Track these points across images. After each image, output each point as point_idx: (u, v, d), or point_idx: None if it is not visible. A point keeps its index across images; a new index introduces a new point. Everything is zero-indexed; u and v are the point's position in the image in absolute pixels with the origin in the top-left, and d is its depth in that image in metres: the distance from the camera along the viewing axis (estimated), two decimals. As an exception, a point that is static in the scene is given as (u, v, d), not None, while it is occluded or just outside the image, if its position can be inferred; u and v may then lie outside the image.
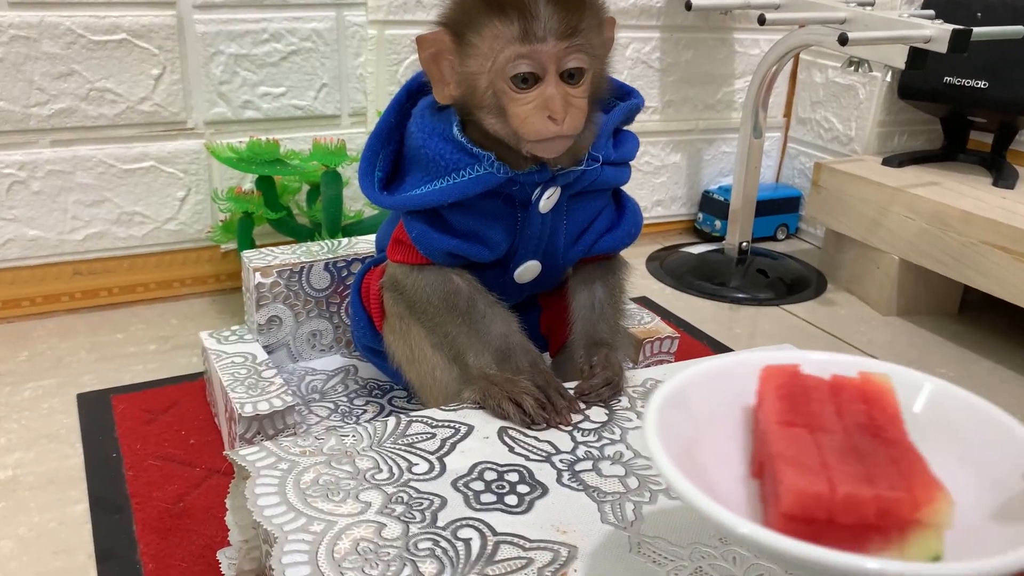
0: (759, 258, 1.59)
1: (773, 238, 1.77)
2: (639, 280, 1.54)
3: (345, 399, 0.97)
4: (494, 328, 0.80)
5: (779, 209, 1.75)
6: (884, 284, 1.43)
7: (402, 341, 0.85)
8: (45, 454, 0.95)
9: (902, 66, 1.17)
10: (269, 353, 1.01)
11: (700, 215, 1.76)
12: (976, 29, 1.13)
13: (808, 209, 1.58)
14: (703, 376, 0.55)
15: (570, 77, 0.73)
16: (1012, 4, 1.37)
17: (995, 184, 1.42)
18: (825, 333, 1.36)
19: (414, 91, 0.84)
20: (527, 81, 0.72)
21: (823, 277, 1.58)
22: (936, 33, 1.12)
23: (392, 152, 0.84)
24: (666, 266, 1.60)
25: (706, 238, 1.74)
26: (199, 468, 0.91)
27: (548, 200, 0.80)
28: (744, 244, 1.54)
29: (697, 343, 1.28)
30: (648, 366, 1.05)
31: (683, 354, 1.09)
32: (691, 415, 0.52)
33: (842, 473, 0.45)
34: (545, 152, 0.74)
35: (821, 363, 0.55)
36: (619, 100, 0.87)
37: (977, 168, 1.52)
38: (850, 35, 1.10)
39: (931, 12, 1.34)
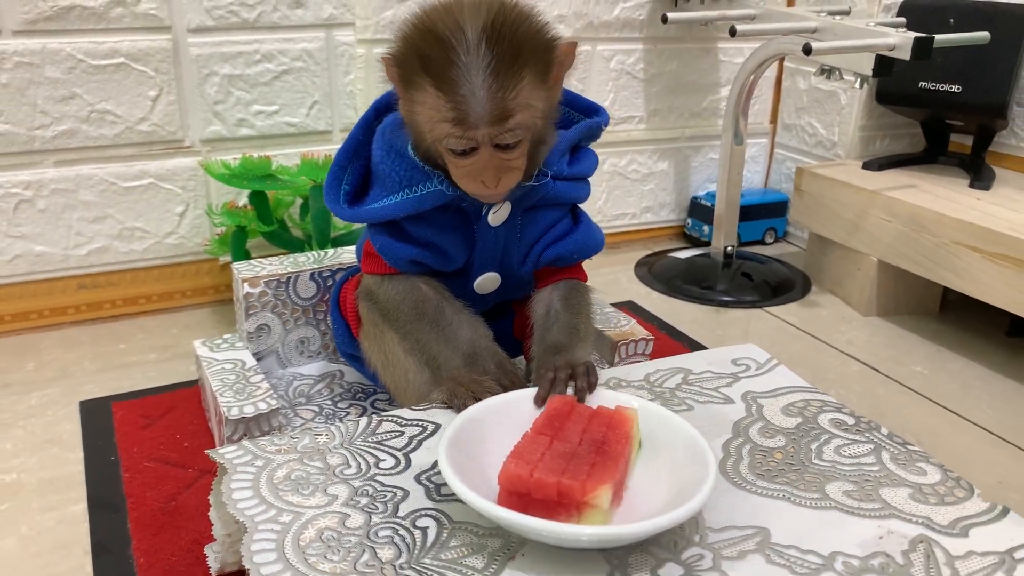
0: (744, 262, 1.63)
1: (762, 242, 1.80)
2: (627, 285, 1.58)
3: (330, 402, 1.02)
4: (461, 333, 0.85)
5: (767, 213, 1.79)
6: (864, 285, 1.46)
7: (377, 347, 0.90)
8: (48, 458, 1.00)
9: (870, 73, 1.21)
10: (259, 360, 1.06)
11: (689, 220, 1.80)
12: (939, 36, 1.17)
13: (792, 213, 1.62)
14: (503, 402, 0.76)
15: (506, 146, 0.74)
16: (983, 10, 1.41)
17: (971, 185, 1.45)
18: (806, 334, 1.40)
19: (383, 108, 0.87)
20: (464, 152, 0.74)
21: (808, 279, 1.61)
22: (900, 41, 1.16)
23: (360, 167, 0.88)
24: (654, 271, 1.64)
25: (695, 243, 1.78)
26: (191, 469, 0.96)
27: (496, 215, 0.84)
28: (729, 248, 1.58)
29: (677, 344, 1.32)
30: (623, 367, 1.10)
31: (659, 356, 1.13)
32: (485, 431, 0.71)
33: (546, 466, 0.64)
34: (483, 200, 0.80)
35: (607, 398, 0.77)
36: (584, 115, 0.91)
37: (956, 170, 1.55)
38: (814, 45, 1.14)
39: (903, 20, 1.37)
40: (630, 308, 1.46)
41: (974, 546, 0.64)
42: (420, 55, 0.72)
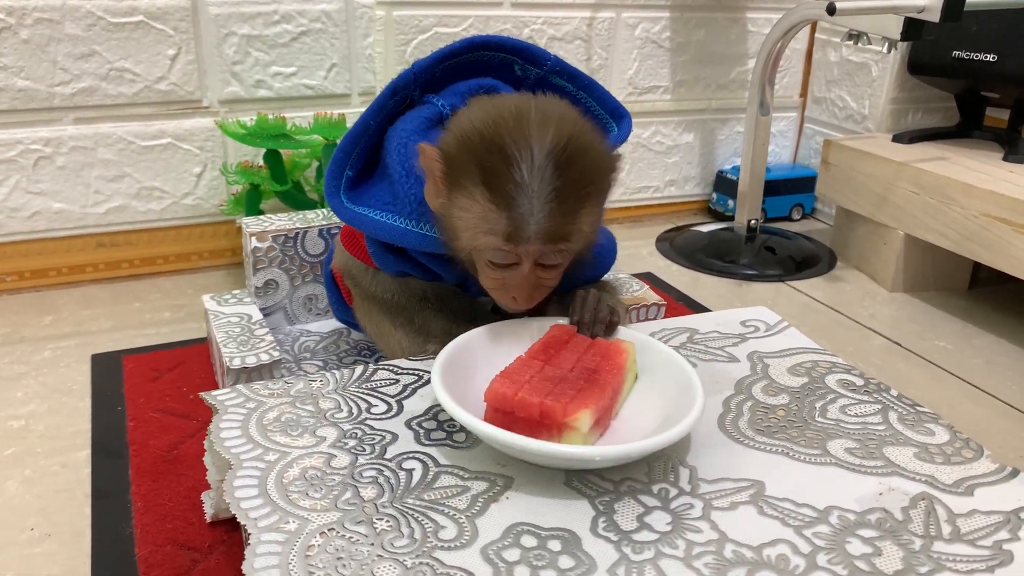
0: (770, 236, 1.60)
1: (789, 218, 1.77)
2: (646, 257, 1.55)
3: (335, 358, 1.02)
4: (435, 325, 0.83)
5: (794, 189, 1.75)
6: (891, 260, 1.43)
7: (368, 319, 0.90)
8: (57, 407, 1.01)
9: (898, 37, 1.17)
10: (267, 316, 1.05)
11: (714, 195, 1.77)
12: (971, -1, 1.13)
13: (819, 186, 1.58)
14: (502, 327, 0.76)
15: (548, 260, 0.71)
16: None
17: (1005, 159, 1.41)
18: (827, 307, 1.36)
19: (400, 88, 0.81)
20: (504, 265, 0.71)
21: (834, 255, 1.58)
22: (929, 2, 1.12)
23: (365, 150, 0.82)
24: (676, 245, 1.61)
25: (720, 218, 1.75)
26: (195, 420, 0.96)
27: None
28: (752, 222, 1.55)
29: (691, 312, 1.29)
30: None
31: (671, 321, 1.11)
32: (480, 354, 0.73)
33: (532, 387, 0.65)
34: (505, 309, 0.75)
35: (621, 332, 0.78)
36: (610, 116, 0.86)
37: (991, 144, 1.50)
38: (838, 4, 1.10)
39: (936, -16, 1.33)
40: (649, 279, 1.44)
41: (979, 505, 0.61)
42: (480, 164, 0.67)
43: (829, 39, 1.70)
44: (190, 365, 1.09)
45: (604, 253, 0.87)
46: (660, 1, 1.58)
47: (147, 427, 0.95)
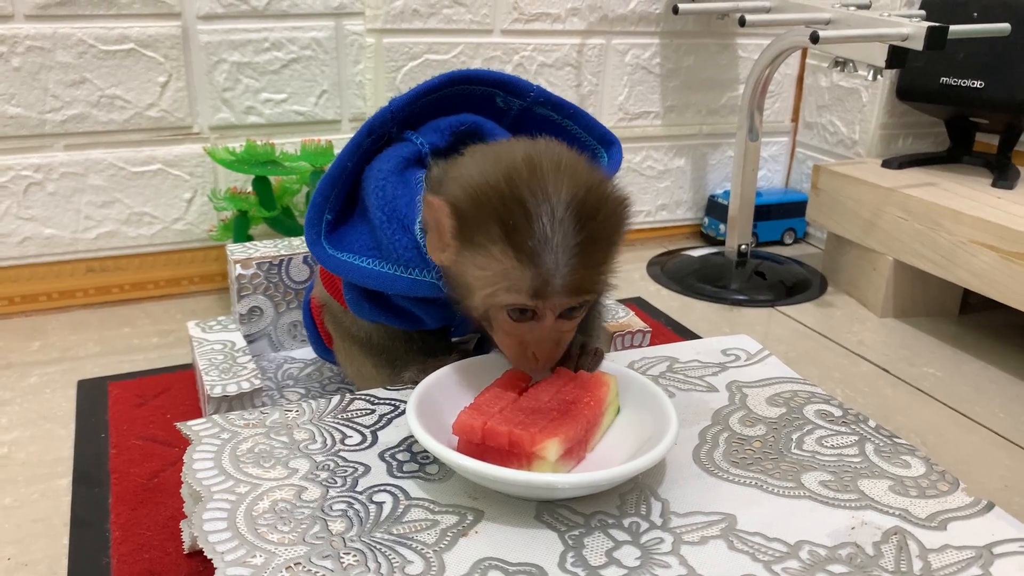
0: (761, 261, 1.60)
1: (781, 242, 1.77)
2: (637, 282, 1.56)
3: (318, 385, 1.02)
4: (407, 375, 0.81)
5: (786, 213, 1.76)
6: (880, 286, 1.43)
7: (349, 361, 0.89)
8: (40, 434, 1.01)
9: (883, 64, 1.18)
10: (251, 343, 1.06)
11: (706, 219, 1.77)
12: (954, 27, 1.14)
13: (808, 211, 1.58)
14: (482, 361, 0.77)
15: (570, 312, 0.70)
16: (1009, 4, 1.36)
17: (994, 185, 1.41)
18: (816, 333, 1.36)
19: (376, 127, 0.79)
20: (522, 316, 0.69)
21: (825, 280, 1.58)
22: (913, 31, 1.12)
23: (343, 192, 0.80)
24: (667, 269, 1.61)
25: (713, 243, 1.75)
26: (177, 448, 0.96)
27: None
28: (743, 247, 1.55)
29: (678, 338, 1.29)
30: (618, 359, 1.08)
31: (656, 348, 1.11)
32: (457, 388, 0.73)
33: (502, 417, 0.65)
34: (520, 369, 0.73)
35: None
36: (599, 143, 0.85)
37: (981, 170, 1.50)
38: (821, 33, 1.11)
39: (922, 13, 1.34)
40: (638, 304, 1.44)
41: (951, 539, 0.61)
42: (499, 220, 0.65)
43: (820, 64, 1.71)
44: (175, 391, 1.09)
45: None
46: (650, 28, 1.59)
47: (129, 454, 0.95)
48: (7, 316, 1.31)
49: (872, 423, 0.76)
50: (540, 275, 0.65)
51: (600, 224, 0.67)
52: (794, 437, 0.74)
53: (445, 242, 0.69)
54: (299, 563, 0.57)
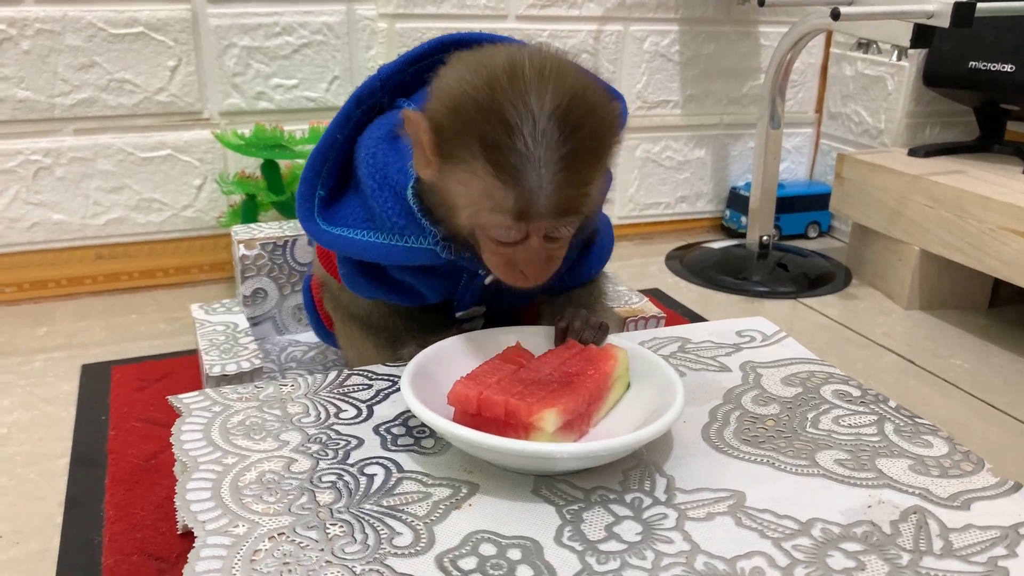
0: (784, 254, 1.55)
1: (804, 236, 1.72)
2: (655, 274, 1.52)
3: (321, 368, 0.99)
4: (406, 352, 0.79)
5: (810, 206, 1.71)
6: (906, 277, 1.38)
7: (349, 344, 0.87)
8: (41, 415, 0.99)
9: (907, 44, 1.14)
10: (256, 325, 1.04)
11: (727, 212, 1.73)
12: (982, 4, 1.09)
13: (833, 201, 1.54)
14: (481, 335, 0.75)
15: (558, 231, 0.66)
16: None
17: (1024, 172, 1.36)
18: (840, 325, 1.32)
19: (365, 97, 0.76)
20: (508, 236, 0.65)
21: (849, 273, 1.53)
22: (938, 8, 1.08)
23: (336, 166, 0.77)
24: (686, 262, 1.57)
25: (734, 235, 1.71)
26: (177, 430, 0.94)
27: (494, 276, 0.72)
28: (764, 238, 1.51)
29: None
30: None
31: (671, 335, 1.07)
32: (456, 360, 0.71)
33: (498, 387, 0.63)
34: (514, 286, 0.69)
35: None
36: None
37: (1011, 158, 1.45)
38: (843, 10, 1.07)
39: (949, -8, 1.29)
40: (655, 296, 1.40)
41: (975, 519, 0.57)
42: (477, 134, 0.61)
43: (844, 53, 1.66)
44: (179, 375, 1.07)
45: (602, 244, 0.82)
46: (669, 14, 1.56)
47: (128, 436, 0.93)
48: (15, 302, 1.30)
49: (892, 403, 0.72)
50: (522, 195, 0.61)
51: (588, 135, 0.62)
52: (809, 416, 0.70)
53: (426, 158, 0.65)
54: (283, 533, 0.54)
